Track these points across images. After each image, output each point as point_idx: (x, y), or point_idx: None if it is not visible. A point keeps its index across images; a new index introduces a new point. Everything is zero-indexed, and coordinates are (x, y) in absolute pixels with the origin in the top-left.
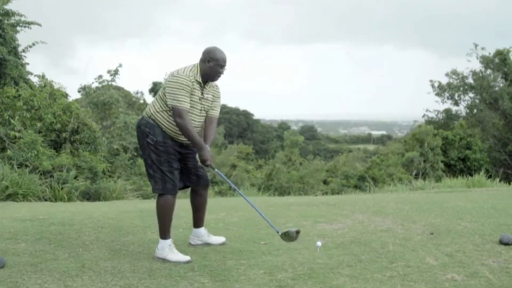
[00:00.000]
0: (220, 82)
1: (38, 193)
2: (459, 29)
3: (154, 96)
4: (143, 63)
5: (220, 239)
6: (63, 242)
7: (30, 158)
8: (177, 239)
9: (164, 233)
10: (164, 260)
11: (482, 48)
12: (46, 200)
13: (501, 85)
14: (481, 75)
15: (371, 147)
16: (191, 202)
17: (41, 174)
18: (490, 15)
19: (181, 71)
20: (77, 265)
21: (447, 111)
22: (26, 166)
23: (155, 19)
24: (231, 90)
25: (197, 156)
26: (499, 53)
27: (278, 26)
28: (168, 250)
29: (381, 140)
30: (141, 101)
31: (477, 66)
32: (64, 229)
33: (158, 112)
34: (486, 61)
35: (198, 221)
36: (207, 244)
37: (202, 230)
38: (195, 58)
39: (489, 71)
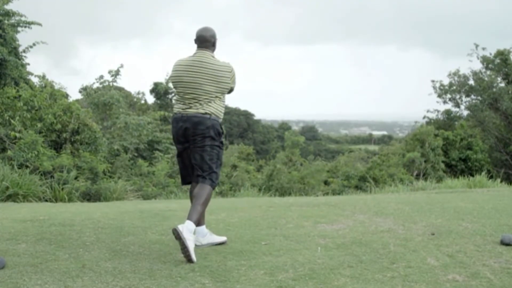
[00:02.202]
0: None
1: (39, 194)
2: (461, 29)
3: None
4: (144, 64)
5: (221, 238)
6: (63, 243)
7: (30, 158)
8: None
9: (199, 220)
10: (197, 244)
11: (483, 49)
12: (46, 200)
13: (502, 85)
14: (481, 75)
15: (372, 147)
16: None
17: (41, 174)
18: (493, 15)
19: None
20: (78, 265)
21: (448, 112)
22: (27, 166)
23: (158, 20)
24: None
25: None
26: (500, 53)
27: (279, 27)
28: (195, 238)
29: (382, 140)
30: (142, 102)
31: (478, 66)
32: (65, 230)
33: (220, 112)
34: (486, 62)
35: (200, 218)
36: (210, 244)
37: (205, 228)
38: None
39: (489, 72)
